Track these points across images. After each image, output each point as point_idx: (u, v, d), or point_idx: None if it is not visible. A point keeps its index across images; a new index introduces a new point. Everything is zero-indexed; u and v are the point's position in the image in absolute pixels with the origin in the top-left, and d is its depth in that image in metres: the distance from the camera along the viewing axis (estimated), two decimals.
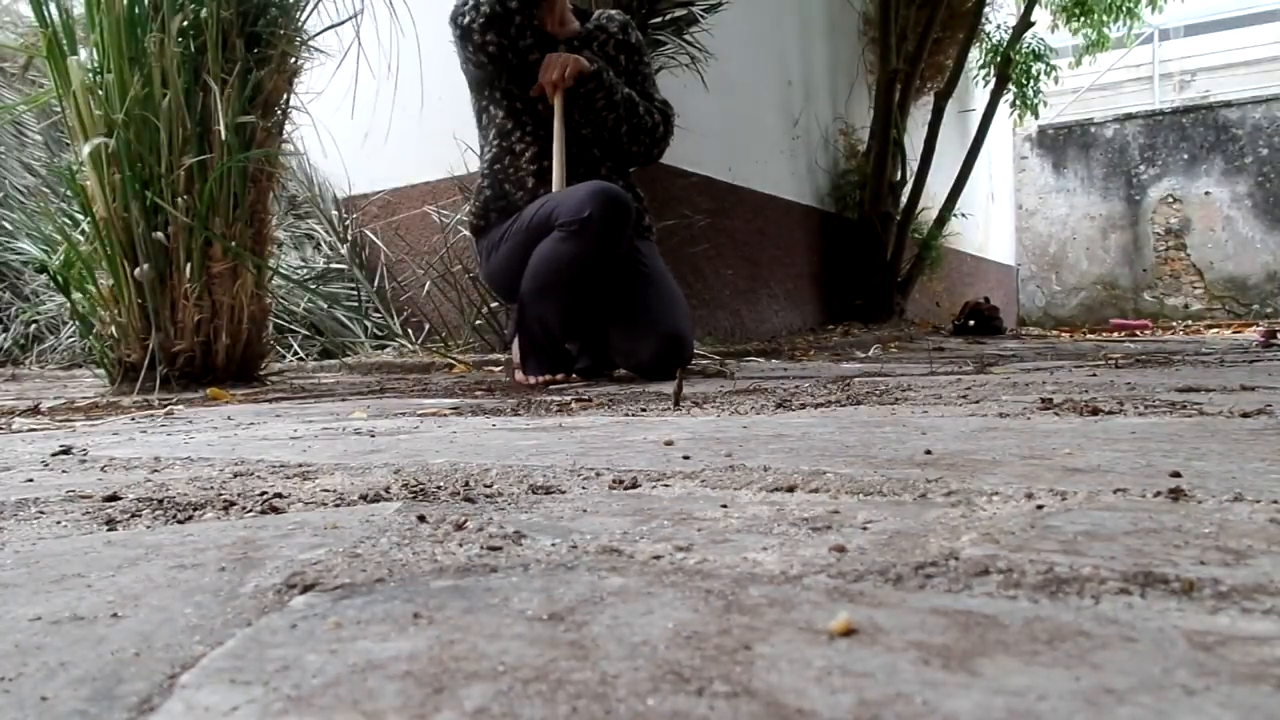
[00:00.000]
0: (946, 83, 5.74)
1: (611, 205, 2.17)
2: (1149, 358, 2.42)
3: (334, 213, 3.99)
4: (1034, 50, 6.92)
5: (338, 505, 0.69)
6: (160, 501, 0.72)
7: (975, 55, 6.60)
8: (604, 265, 2.25)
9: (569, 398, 1.77)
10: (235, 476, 0.86)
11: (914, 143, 5.54)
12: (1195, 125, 9.09)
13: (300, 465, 0.91)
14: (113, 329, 2.31)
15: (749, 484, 0.71)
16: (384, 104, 3.57)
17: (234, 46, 2.31)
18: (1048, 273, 9.86)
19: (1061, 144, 9.71)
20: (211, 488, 0.79)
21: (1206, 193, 9.03)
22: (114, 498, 0.73)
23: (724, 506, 0.63)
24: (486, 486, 0.74)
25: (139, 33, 2.20)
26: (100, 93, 2.21)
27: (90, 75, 2.23)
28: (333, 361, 3.40)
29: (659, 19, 3.48)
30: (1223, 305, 8.99)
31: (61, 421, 1.69)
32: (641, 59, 2.59)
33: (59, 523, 0.65)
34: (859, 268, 5.32)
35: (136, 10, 2.20)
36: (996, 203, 8.93)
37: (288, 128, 3.34)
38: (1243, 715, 0.28)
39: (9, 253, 3.70)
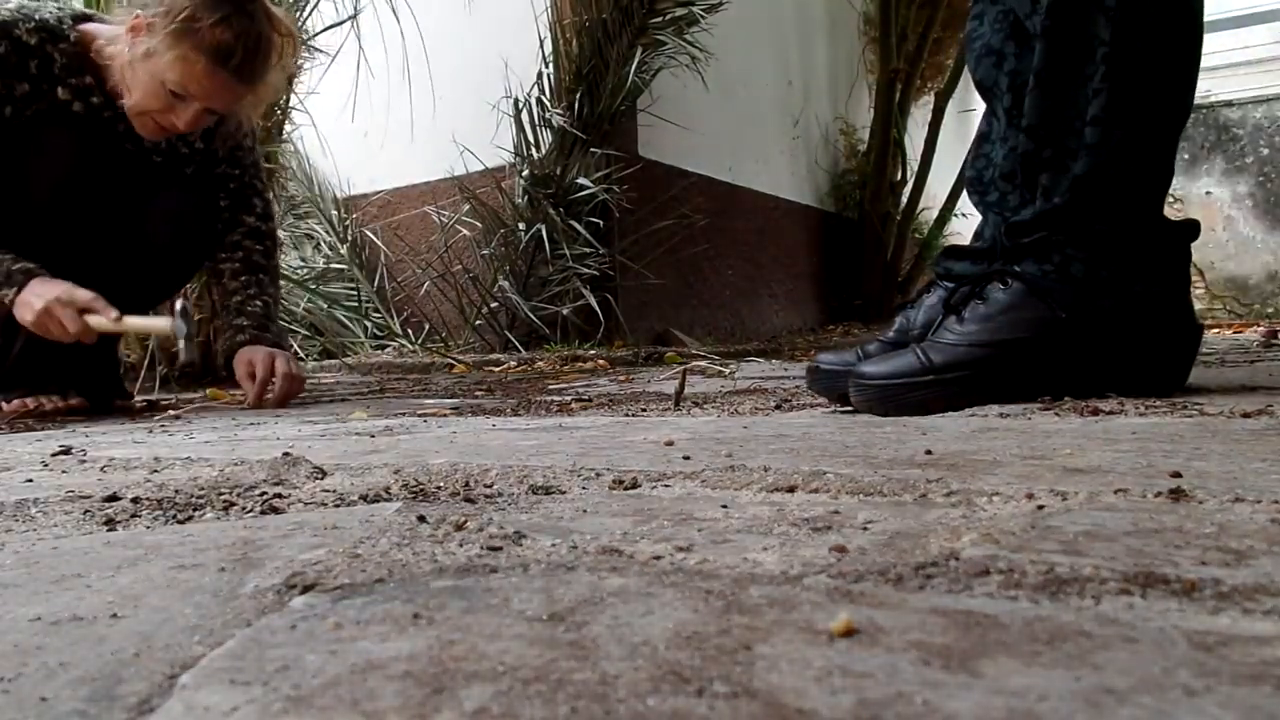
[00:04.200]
0: (946, 83, 5.74)
1: None
2: None
3: (334, 213, 3.99)
4: None
5: (338, 505, 0.69)
6: (160, 501, 0.72)
7: None
8: None
9: (569, 398, 1.77)
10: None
11: (914, 143, 5.53)
12: (1195, 125, 9.08)
13: None
14: None
15: (749, 484, 0.71)
16: (385, 104, 3.57)
17: None
18: None
19: None
20: (212, 487, 0.79)
21: (1207, 192, 9.02)
22: (114, 498, 0.73)
23: (724, 507, 0.63)
24: (486, 486, 0.74)
25: None
26: None
27: None
28: (333, 361, 3.40)
29: (659, 19, 3.49)
30: (1223, 305, 8.98)
31: (61, 421, 1.69)
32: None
33: (58, 523, 0.65)
34: (859, 268, 5.32)
35: None
36: None
37: (287, 127, 3.34)
38: (1243, 716, 0.27)
39: None
